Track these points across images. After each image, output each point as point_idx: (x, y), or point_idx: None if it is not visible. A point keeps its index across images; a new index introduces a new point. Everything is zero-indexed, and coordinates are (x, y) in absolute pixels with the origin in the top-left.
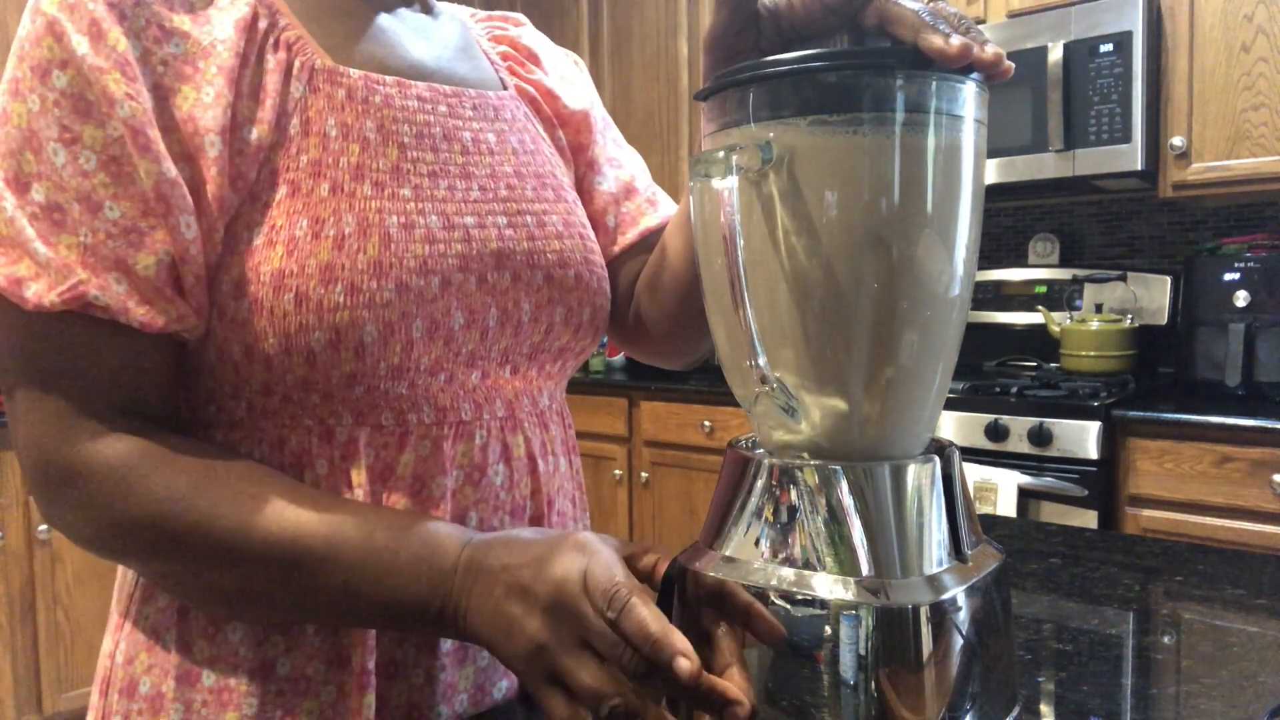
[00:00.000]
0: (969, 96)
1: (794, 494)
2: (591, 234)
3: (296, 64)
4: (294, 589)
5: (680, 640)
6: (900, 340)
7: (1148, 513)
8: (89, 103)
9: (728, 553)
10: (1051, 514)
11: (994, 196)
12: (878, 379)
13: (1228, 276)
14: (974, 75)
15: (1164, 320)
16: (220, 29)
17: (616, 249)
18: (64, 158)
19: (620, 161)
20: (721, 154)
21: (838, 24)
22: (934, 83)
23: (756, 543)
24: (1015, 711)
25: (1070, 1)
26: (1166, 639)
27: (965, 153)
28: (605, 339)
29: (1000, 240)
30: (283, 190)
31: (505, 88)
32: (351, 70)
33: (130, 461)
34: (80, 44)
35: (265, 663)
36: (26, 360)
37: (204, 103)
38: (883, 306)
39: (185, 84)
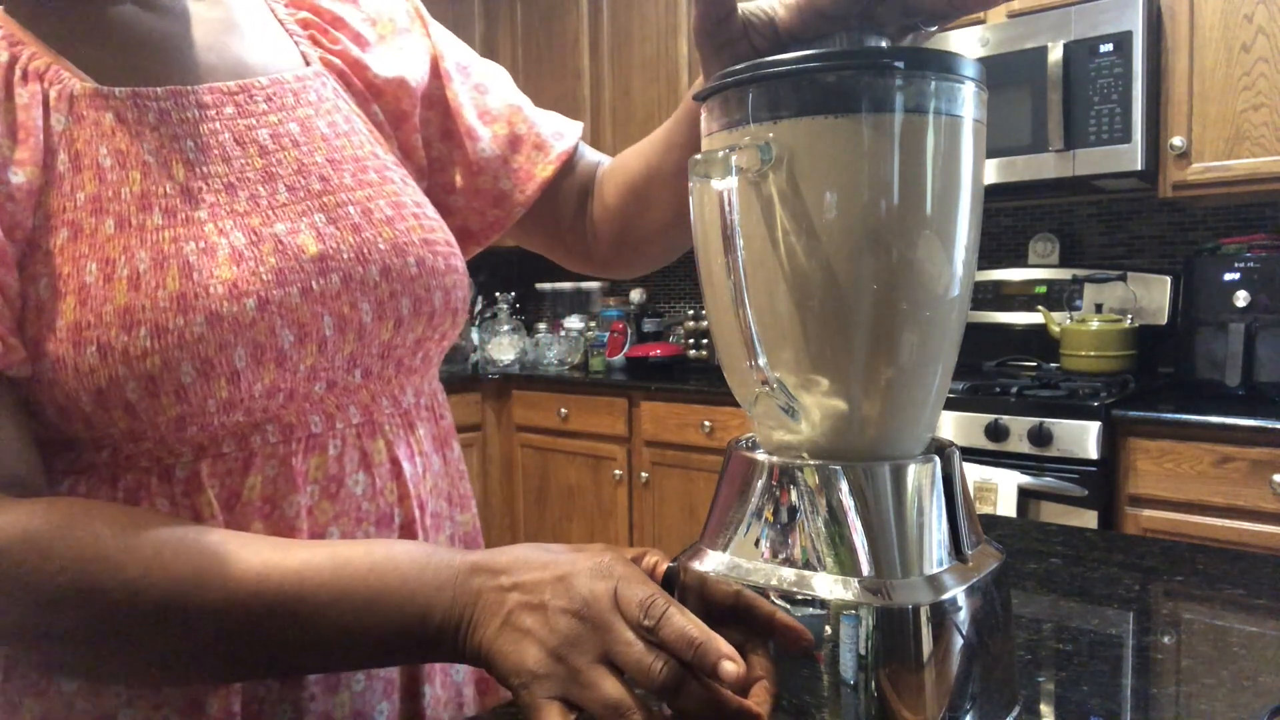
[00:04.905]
0: (968, 97)
1: (794, 494)
2: (429, 209)
3: (53, 94)
4: (263, 638)
5: (724, 644)
6: (900, 340)
7: (1148, 513)
8: None
9: (728, 553)
10: (1051, 514)
11: (994, 196)
12: (878, 379)
13: (1228, 276)
14: (973, 75)
15: (1164, 320)
16: None
17: (520, 209)
18: None
19: (492, 113)
20: (721, 154)
21: (833, 28)
22: (933, 83)
23: (757, 543)
24: (1015, 711)
25: (1070, 1)
26: (1166, 639)
27: (964, 153)
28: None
29: (1000, 240)
30: (63, 234)
31: (308, 64)
32: (116, 90)
33: (35, 524)
34: None
35: (103, 715)
36: None
37: None
38: (882, 307)
39: None
